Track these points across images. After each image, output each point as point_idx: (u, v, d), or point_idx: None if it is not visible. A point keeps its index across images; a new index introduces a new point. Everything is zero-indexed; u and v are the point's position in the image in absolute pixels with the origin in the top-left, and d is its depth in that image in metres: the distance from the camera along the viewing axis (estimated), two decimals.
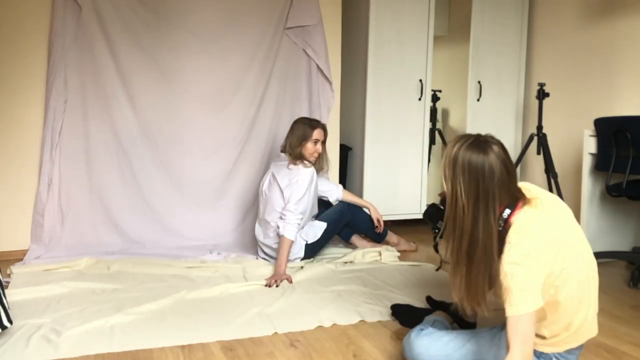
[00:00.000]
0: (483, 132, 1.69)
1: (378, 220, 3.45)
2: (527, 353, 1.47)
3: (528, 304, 1.47)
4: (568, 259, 1.56)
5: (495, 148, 1.58)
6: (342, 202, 3.42)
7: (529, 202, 1.58)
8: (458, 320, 2.13)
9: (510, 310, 1.48)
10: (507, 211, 1.56)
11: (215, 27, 3.62)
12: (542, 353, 1.69)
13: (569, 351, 1.70)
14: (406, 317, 2.26)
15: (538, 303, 1.49)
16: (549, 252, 1.52)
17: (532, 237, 1.52)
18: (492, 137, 1.62)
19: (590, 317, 1.68)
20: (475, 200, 1.55)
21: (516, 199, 1.58)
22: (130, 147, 3.49)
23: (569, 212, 1.65)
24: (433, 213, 1.74)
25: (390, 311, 2.38)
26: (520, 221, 1.54)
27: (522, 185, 1.68)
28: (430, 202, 4.48)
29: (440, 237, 1.69)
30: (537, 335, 1.66)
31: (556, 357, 1.72)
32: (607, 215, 3.37)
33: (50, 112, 3.29)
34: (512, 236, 1.53)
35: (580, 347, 1.73)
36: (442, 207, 1.70)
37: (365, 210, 3.48)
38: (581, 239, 1.64)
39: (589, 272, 1.63)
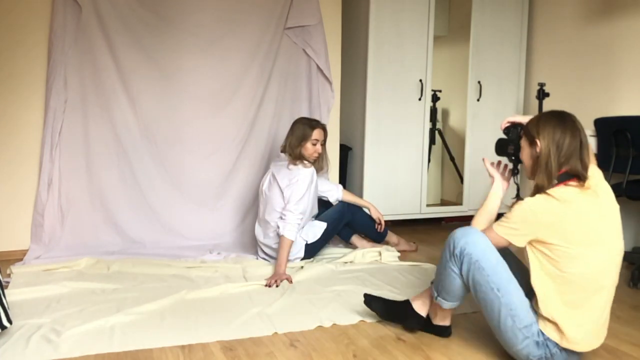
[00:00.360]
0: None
1: (379, 219, 3.46)
2: (478, 226, 1.94)
3: (508, 232, 1.81)
4: (581, 245, 1.73)
5: (578, 124, 1.83)
6: (341, 202, 3.42)
7: (582, 186, 1.77)
8: (428, 326, 2.18)
9: (496, 226, 1.85)
10: (555, 182, 1.79)
11: (215, 27, 3.61)
12: (547, 338, 1.79)
13: (568, 351, 1.80)
14: (379, 305, 2.25)
15: (512, 240, 1.81)
16: (559, 226, 1.73)
17: (553, 204, 1.74)
18: (570, 115, 1.86)
19: (600, 326, 1.79)
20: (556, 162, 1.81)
21: (575, 173, 1.78)
22: (130, 147, 3.49)
23: (616, 213, 1.85)
24: (500, 145, 2.02)
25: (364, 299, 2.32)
26: (561, 190, 1.76)
27: (591, 169, 1.86)
28: (430, 202, 4.51)
29: (516, 171, 2.04)
30: (544, 318, 1.80)
31: (558, 349, 1.79)
32: None
33: (50, 112, 3.29)
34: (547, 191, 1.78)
35: (579, 354, 1.83)
36: (506, 137, 2.01)
37: (366, 210, 3.48)
38: (612, 240, 1.80)
39: (609, 268, 1.79)
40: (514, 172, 2.07)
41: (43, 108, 3.34)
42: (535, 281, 1.80)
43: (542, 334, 1.80)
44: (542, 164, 1.81)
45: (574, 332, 1.76)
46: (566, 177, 1.79)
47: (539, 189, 1.80)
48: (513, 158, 2.02)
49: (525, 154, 1.91)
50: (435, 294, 2.04)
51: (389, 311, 2.21)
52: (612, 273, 1.79)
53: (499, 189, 2.03)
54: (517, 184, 2.06)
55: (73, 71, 3.33)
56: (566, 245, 1.73)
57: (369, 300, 2.25)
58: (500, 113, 4.44)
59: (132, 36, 3.43)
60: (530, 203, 1.77)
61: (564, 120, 1.82)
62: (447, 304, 2.02)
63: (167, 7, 3.50)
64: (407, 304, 2.18)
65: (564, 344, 1.78)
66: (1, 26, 3.22)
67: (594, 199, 1.77)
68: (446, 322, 2.13)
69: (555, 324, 1.78)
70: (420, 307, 2.15)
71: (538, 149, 1.83)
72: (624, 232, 3.52)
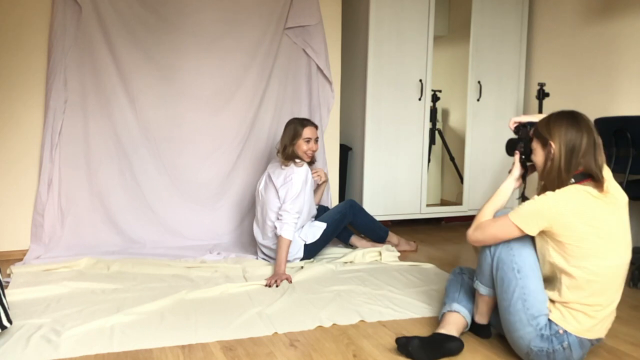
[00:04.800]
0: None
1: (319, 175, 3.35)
2: (482, 238, 1.91)
3: (521, 220, 1.80)
4: (591, 241, 1.75)
5: (590, 124, 1.83)
6: (344, 203, 3.42)
7: (599, 187, 1.79)
8: (473, 327, 2.15)
9: (511, 213, 1.84)
10: (572, 180, 1.81)
11: (215, 27, 3.62)
12: (554, 334, 1.79)
13: (581, 339, 1.81)
14: (422, 351, 1.94)
15: (525, 228, 1.80)
16: (573, 219, 1.74)
17: (568, 199, 1.76)
18: (581, 114, 1.87)
19: (607, 313, 1.82)
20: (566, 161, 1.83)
21: (590, 172, 1.79)
22: (130, 147, 3.49)
23: (626, 221, 1.83)
24: (510, 145, 2.07)
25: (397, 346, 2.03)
26: (578, 187, 1.78)
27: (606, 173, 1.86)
28: (430, 202, 4.51)
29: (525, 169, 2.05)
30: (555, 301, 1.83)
31: (569, 342, 1.80)
32: None
33: (50, 112, 3.29)
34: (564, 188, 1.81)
35: (589, 344, 1.84)
36: (515, 137, 2.04)
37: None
38: (622, 249, 1.80)
39: (616, 266, 1.79)
40: (524, 174, 2.07)
41: (43, 108, 3.34)
42: (544, 266, 1.85)
43: (549, 328, 1.80)
44: (555, 165, 1.81)
45: (580, 317, 1.79)
46: (581, 177, 1.80)
47: (547, 190, 1.82)
48: (523, 157, 2.03)
49: (539, 155, 1.90)
50: (475, 278, 2.06)
51: (428, 347, 1.95)
52: (619, 279, 1.81)
53: (512, 185, 2.03)
54: (524, 184, 2.07)
55: (73, 71, 3.33)
56: (577, 243, 1.75)
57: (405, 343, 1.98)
58: (500, 113, 4.44)
59: (132, 36, 3.43)
60: (548, 195, 1.77)
61: (576, 120, 1.82)
62: (482, 289, 2.02)
63: (167, 7, 3.50)
64: (440, 335, 2.00)
65: (576, 331, 1.79)
66: (1, 26, 3.22)
67: (609, 207, 1.78)
68: (485, 320, 2.11)
69: (562, 307, 1.80)
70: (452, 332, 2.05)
71: (552, 151, 1.82)
72: None
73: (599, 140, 1.82)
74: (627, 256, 1.81)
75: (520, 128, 2.02)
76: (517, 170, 2.03)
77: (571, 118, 1.83)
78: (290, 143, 3.10)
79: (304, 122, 3.15)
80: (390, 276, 2.96)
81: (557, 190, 1.78)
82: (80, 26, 3.31)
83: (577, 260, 1.76)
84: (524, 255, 1.86)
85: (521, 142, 2.01)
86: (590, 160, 1.78)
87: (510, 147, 2.08)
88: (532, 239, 1.89)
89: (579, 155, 1.78)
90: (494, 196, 2.02)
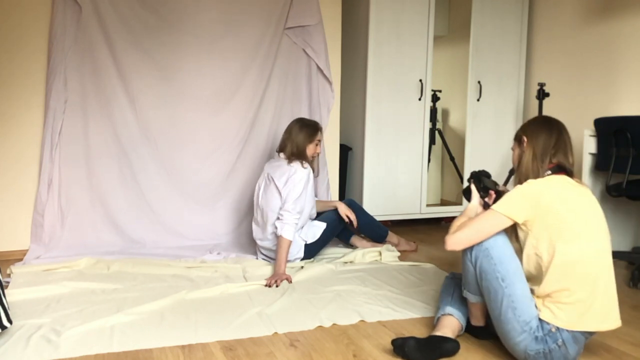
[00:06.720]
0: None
1: (347, 217, 3.26)
2: (464, 236, 1.91)
3: (506, 208, 1.87)
4: (570, 224, 1.82)
5: (565, 130, 1.99)
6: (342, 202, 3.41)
7: (571, 175, 1.94)
8: (468, 328, 2.15)
9: (495, 205, 1.90)
10: (549, 172, 1.94)
11: (216, 28, 3.62)
12: (547, 333, 1.80)
13: (574, 334, 1.81)
14: (418, 352, 1.93)
15: (512, 215, 1.86)
16: (556, 204, 1.83)
17: (552, 183, 1.87)
18: (557, 120, 2.03)
19: (599, 304, 1.82)
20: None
21: (564, 167, 1.94)
22: (130, 147, 3.49)
23: (598, 206, 1.93)
24: (466, 192, 2.23)
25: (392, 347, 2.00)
26: (557, 176, 1.90)
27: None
28: (430, 202, 4.51)
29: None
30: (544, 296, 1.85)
31: (562, 339, 1.80)
32: (607, 215, 3.34)
33: (50, 112, 3.29)
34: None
35: (583, 338, 1.84)
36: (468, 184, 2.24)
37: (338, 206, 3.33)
38: (603, 235, 1.88)
39: (597, 251, 1.84)
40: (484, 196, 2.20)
41: (43, 108, 3.34)
42: (530, 262, 1.89)
43: (542, 329, 1.81)
44: (528, 157, 1.95)
45: (568, 310, 1.80)
46: (557, 169, 1.93)
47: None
48: (481, 192, 2.18)
49: (516, 154, 2.05)
50: (463, 287, 2.08)
51: (424, 349, 1.94)
52: (604, 266, 1.84)
53: (477, 206, 2.15)
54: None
55: (73, 71, 3.33)
56: (560, 225, 1.81)
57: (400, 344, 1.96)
58: (500, 113, 4.44)
59: (132, 36, 3.43)
60: (530, 182, 1.89)
61: (549, 122, 2.00)
62: (471, 297, 2.04)
63: (168, 8, 3.50)
64: (436, 337, 2.00)
65: (567, 325, 1.80)
66: (1, 27, 3.22)
67: (586, 198, 1.90)
68: (481, 323, 2.12)
69: (551, 302, 1.82)
70: (448, 334, 2.03)
71: (525, 143, 1.98)
72: (624, 232, 3.54)
73: (570, 143, 1.98)
74: (606, 242, 1.87)
75: (470, 180, 2.22)
76: (475, 199, 2.16)
77: (544, 120, 2.02)
78: (303, 144, 3.11)
79: (318, 126, 3.19)
80: (390, 276, 2.96)
81: (538, 179, 1.90)
82: (80, 26, 3.31)
83: (561, 243, 1.80)
84: (505, 263, 1.88)
85: (471, 183, 2.20)
86: (562, 156, 1.94)
87: (467, 193, 2.21)
88: (511, 244, 1.91)
89: (550, 148, 1.93)
90: (465, 212, 2.12)
